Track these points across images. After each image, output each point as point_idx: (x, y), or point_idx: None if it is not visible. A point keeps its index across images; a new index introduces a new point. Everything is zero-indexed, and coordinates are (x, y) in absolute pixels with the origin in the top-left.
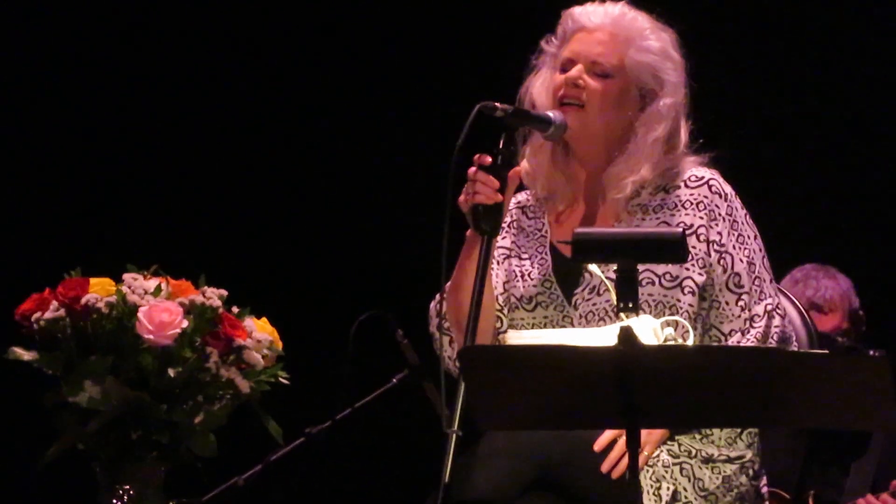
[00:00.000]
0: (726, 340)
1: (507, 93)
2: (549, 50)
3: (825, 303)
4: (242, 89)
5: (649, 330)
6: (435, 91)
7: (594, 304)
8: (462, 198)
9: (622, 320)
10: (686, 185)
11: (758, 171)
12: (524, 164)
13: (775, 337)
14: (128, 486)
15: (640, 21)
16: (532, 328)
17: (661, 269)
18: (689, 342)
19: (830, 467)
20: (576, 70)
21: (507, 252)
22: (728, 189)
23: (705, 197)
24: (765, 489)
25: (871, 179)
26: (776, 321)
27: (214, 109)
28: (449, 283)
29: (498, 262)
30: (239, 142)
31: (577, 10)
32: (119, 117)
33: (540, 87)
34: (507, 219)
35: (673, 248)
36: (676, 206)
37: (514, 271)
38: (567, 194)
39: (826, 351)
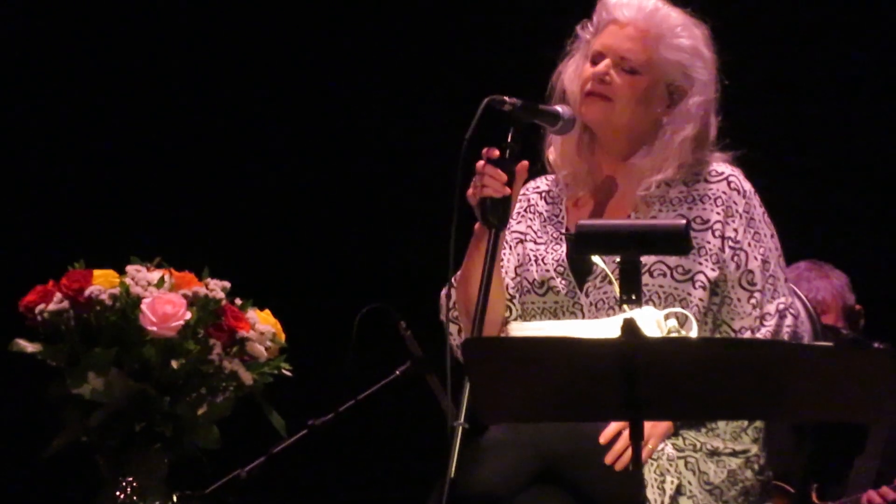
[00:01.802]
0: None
1: (516, 86)
2: (584, 36)
3: (817, 304)
4: (245, 80)
5: (652, 322)
6: (444, 83)
7: (605, 293)
8: (470, 191)
9: (625, 312)
10: (706, 181)
11: (758, 165)
12: (551, 150)
13: (786, 336)
14: (131, 478)
15: (673, 17)
16: (542, 313)
17: (673, 261)
18: (693, 334)
19: (834, 461)
20: (603, 65)
21: (522, 236)
22: (748, 186)
23: (723, 193)
24: (770, 484)
25: (873, 171)
26: (788, 320)
27: (217, 101)
28: (458, 274)
29: (510, 248)
30: (242, 133)
31: (612, 1)
32: (123, 110)
33: (572, 75)
34: (525, 204)
35: (676, 240)
36: (695, 199)
37: (528, 255)
38: (588, 182)
39: (831, 344)
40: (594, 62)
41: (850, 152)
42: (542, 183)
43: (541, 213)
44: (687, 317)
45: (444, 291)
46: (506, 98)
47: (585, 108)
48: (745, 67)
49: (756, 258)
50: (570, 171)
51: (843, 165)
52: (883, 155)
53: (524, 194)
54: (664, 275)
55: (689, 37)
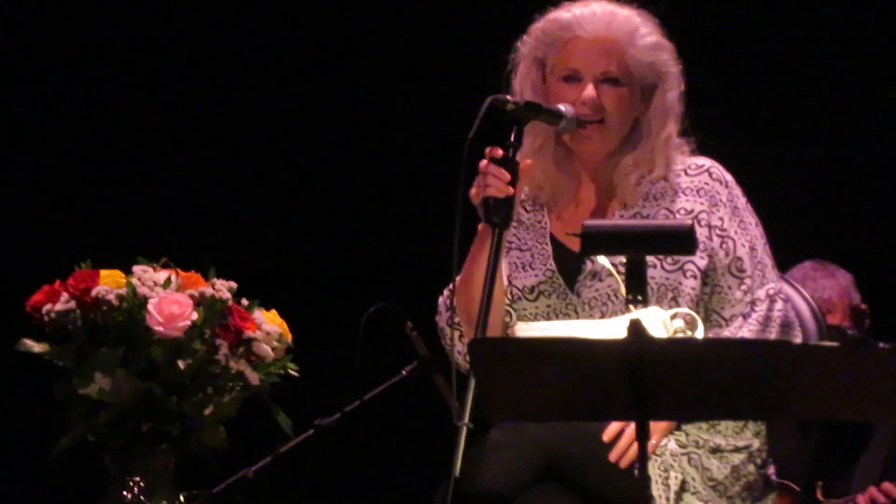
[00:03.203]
0: (728, 325)
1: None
2: (524, 51)
3: (823, 304)
4: (250, 79)
5: (658, 322)
6: (447, 83)
7: (597, 290)
8: (473, 190)
9: (631, 312)
10: (686, 174)
11: (759, 164)
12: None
13: (778, 321)
14: (138, 478)
15: (632, 17)
16: (536, 317)
17: None
18: (698, 333)
19: (839, 458)
20: (590, 89)
21: (508, 245)
22: (729, 177)
23: (706, 184)
24: (773, 477)
25: (878, 170)
26: (778, 305)
27: (222, 100)
28: (459, 277)
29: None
30: (248, 133)
31: (565, 17)
32: (130, 109)
33: (530, 93)
34: None
35: (682, 240)
36: (677, 192)
37: (514, 263)
38: (570, 190)
39: (836, 343)
40: (568, 80)
41: (855, 151)
42: (521, 192)
43: (523, 222)
44: (693, 317)
45: (441, 299)
46: (508, 97)
47: (577, 143)
48: (748, 67)
49: (744, 245)
50: (551, 186)
51: (849, 164)
52: (889, 153)
53: None
54: (654, 266)
55: (650, 32)
